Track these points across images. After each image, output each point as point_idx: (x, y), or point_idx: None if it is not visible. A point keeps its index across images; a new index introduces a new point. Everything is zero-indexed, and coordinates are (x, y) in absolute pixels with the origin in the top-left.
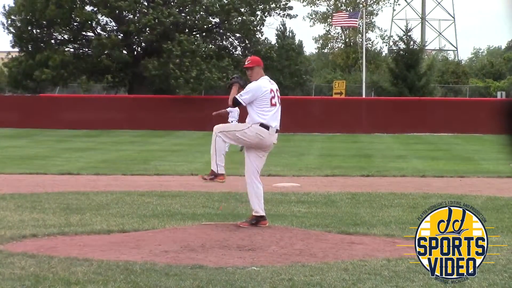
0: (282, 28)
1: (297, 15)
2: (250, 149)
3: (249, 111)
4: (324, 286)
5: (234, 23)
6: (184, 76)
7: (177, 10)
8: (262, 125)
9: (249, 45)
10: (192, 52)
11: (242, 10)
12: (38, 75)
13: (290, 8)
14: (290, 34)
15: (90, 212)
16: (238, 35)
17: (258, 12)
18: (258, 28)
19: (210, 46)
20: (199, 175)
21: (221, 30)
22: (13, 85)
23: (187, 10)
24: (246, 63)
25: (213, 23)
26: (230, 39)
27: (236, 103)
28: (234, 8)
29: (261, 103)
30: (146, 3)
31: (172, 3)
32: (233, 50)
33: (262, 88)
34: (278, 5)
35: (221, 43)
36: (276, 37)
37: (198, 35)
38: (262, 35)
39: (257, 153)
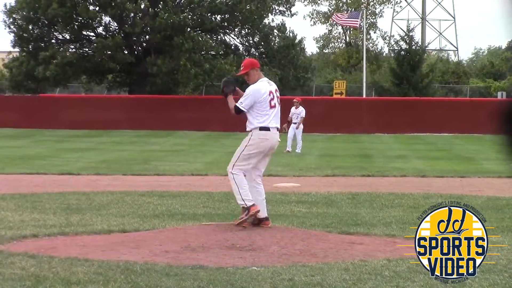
0: (282, 28)
1: (297, 12)
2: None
3: (248, 116)
4: (325, 286)
5: (238, 15)
6: (196, 70)
7: (181, 9)
8: (262, 128)
9: (252, 33)
10: (203, 48)
11: (247, 7)
12: (41, 71)
13: (292, 4)
14: (291, 35)
15: (90, 212)
16: (243, 32)
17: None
18: (265, 15)
19: (217, 46)
20: (235, 220)
21: (225, 25)
22: (14, 86)
23: (189, 9)
24: (240, 69)
25: (217, 21)
26: (234, 34)
27: (238, 111)
28: (240, 1)
29: (260, 107)
30: (157, 6)
31: (177, 3)
32: (237, 48)
33: (261, 91)
34: (279, 4)
35: (225, 39)
36: (276, 35)
37: (203, 34)
38: (272, 21)
39: (264, 154)
